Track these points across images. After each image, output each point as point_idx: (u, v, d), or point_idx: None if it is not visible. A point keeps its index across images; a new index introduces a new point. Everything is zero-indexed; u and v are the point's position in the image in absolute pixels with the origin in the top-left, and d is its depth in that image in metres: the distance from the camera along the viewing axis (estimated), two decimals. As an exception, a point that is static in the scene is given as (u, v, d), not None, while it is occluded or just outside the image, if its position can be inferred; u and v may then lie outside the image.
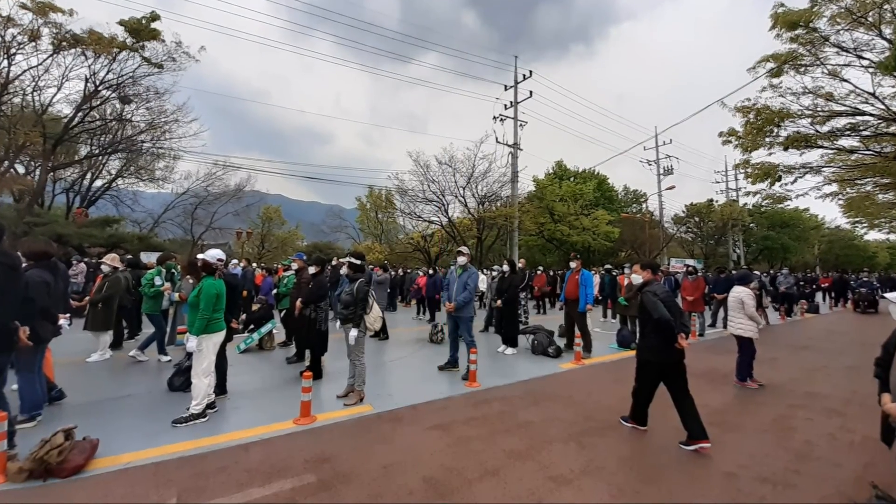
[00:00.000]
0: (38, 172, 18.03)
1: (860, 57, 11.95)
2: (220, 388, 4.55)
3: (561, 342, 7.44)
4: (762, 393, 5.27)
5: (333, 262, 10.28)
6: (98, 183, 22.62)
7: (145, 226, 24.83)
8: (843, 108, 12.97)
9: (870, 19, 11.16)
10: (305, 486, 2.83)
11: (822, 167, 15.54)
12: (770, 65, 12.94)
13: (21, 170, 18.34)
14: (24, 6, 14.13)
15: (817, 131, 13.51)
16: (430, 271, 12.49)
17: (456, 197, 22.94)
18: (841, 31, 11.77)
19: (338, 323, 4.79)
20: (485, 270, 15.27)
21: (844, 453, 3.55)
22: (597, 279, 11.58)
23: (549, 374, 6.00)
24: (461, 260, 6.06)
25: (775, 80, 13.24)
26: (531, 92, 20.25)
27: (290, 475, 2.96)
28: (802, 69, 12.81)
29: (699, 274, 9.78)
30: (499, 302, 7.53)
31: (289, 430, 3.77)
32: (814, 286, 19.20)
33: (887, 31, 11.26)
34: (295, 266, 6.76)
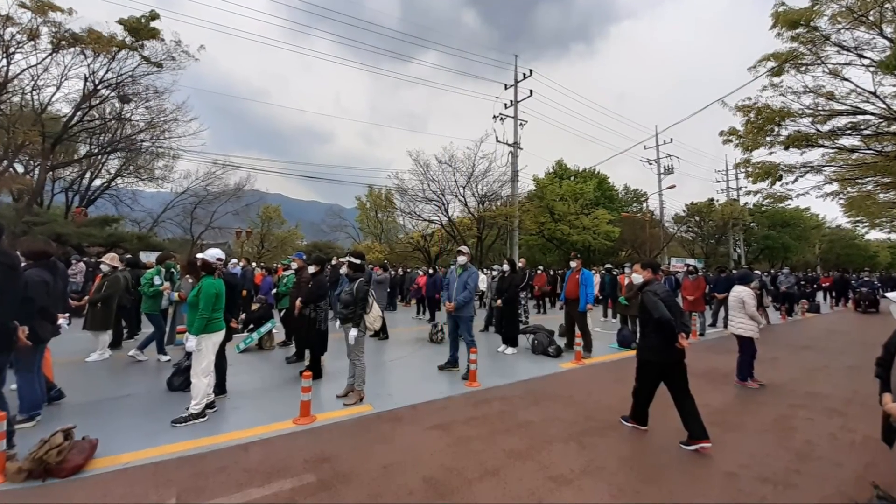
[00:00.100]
0: (37, 171, 18.03)
1: (861, 56, 11.93)
2: (220, 387, 4.54)
3: (561, 342, 7.43)
4: (763, 393, 5.26)
5: (333, 262, 10.27)
6: (97, 182, 22.63)
7: (144, 225, 24.83)
8: (843, 108, 12.94)
9: (871, 18, 11.14)
10: (305, 486, 2.83)
11: (823, 166, 15.52)
12: (771, 64, 12.91)
13: (20, 169, 18.34)
14: (22, 5, 14.12)
15: (818, 130, 13.49)
16: (430, 271, 12.48)
17: (456, 196, 22.96)
18: (842, 30, 11.74)
19: (337, 322, 4.78)
20: (485, 270, 15.26)
21: (845, 453, 3.54)
22: (597, 279, 11.58)
23: (549, 373, 5.99)
24: (461, 259, 6.05)
25: (776, 79, 13.22)
26: (531, 91, 20.24)
27: (289, 475, 2.96)
28: (803, 68, 12.78)
29: (700, 273, 9.77)
30: (499, 301, 7.52)
31: (288, 430, 3.76)
32: (815, 286, 19.19)
33: (888, 29, 11.23)
34: (294, 265, 6.75)
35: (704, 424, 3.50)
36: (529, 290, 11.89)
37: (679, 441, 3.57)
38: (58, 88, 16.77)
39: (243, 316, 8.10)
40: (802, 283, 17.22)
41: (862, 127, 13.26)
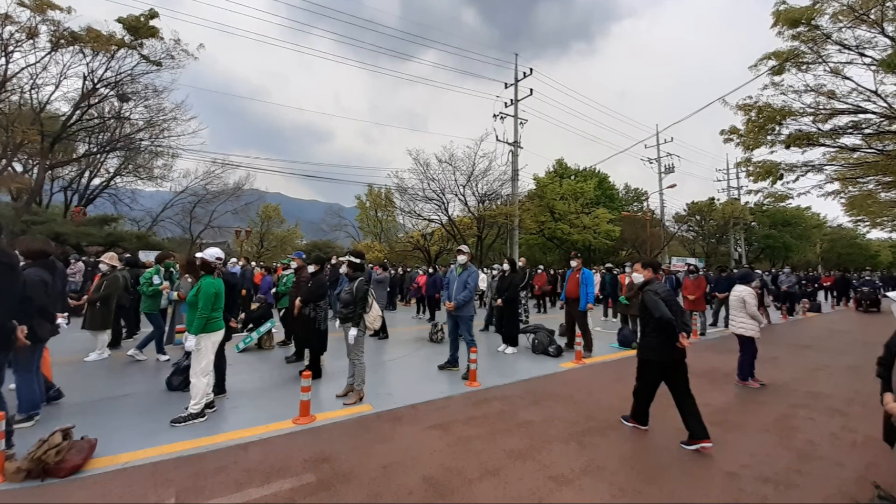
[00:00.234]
0: (35, 171, 17.99)
1: (862, 55, 11.89)
2: (219, 387, 4.53)
3: (561, 341, 7.42)
4: (764, 392, 5.25)
5: (333, 261, 10.26)
6: (96, 181, 22.54)
7: (144, 224, 24.78)
8: (845, 106, 12.90)
9: (872, 16, 11.09)
10: (304, 485, 2.82)
11: (824, 165, 15.48)
12: (772, 62, 12.87)
13: (19, 168, 18.28)
14: (21, 3, 14.08)
15: (819, 129, 13.45)
16: (430, 270, 12.48)
17: (456, 195, 22.95)
18: (843, 29, 11.70)
19: (337, 322, 4.77)
20: (485, 269, 15.26)
21: (847, 453, 3.53)
22: (598, 278, 11.57)
23: (549, 373, 5.98)
24: (461, 259, 6.03)
25: (777, 78, 13.17)
26: (531, 90, 20.20)
27: (289, 475, 2.95)
28: (804, 67, 12.74)
29: (700, 273, 9.75)
30: (499, 301, 7.51)
31: (288, 430, 3.75)
32: (816, 285, 19.15)
33: (890, 28, 11.19)
34: (294, 265, 6.73)
35: (705, 424, 3.49)
36: (530, 290, 11.88)
37: (680, 441, 3.56)
38: (57, 87, 16.77)
39: (243, 315, 8.10)
40: (803, 282, 17.19)
41: (863, 126, 13.23)
